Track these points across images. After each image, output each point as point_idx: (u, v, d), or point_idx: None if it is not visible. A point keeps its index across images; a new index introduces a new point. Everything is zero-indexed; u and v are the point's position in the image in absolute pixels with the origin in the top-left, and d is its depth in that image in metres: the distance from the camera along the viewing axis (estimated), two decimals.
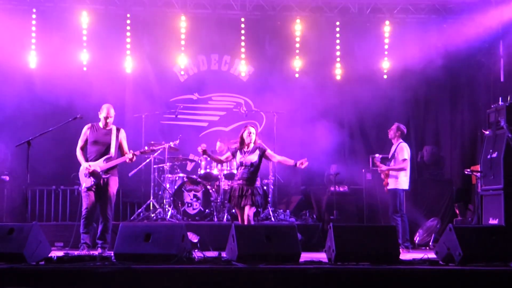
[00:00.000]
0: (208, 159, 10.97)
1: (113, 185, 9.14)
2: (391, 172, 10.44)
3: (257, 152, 8.95)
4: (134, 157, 9.18)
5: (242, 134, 9.00)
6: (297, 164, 8.90)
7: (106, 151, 9.08)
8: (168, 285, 6.22)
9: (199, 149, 8.93)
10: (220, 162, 9.60)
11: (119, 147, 9.25)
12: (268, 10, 13.40)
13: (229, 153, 9.22)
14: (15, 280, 6.13)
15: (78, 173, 9.25)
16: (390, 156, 10.58)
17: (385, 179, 10.56)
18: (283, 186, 12.75)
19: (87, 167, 9.00)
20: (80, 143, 9.19)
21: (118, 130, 9.25)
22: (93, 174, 9.00)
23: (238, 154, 9.00)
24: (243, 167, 8.95)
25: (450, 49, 12.98)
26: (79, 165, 9.20)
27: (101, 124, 9.20)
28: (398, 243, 7.43)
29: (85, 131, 9.21)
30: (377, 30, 13.55)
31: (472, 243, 7.03)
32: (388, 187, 10.48)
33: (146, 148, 9.67)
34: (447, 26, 13.25)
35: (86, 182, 9.04)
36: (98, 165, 9.01)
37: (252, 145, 8.99)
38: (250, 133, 8.96)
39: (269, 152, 9.14)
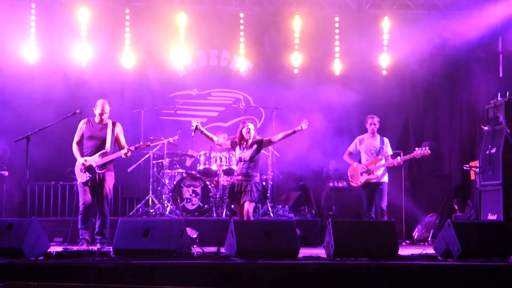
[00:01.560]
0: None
1: (109, 180, 9.14)
2: (381, 167, 10.09)
3: (255, 146, 8.95)
4: (129, 152, 9.17)
5: (241, 130, 8.99)
6: (296, 130, 8.91)
7: (102, 146, 9.09)
8: (167, 280, 6.22)
9: (193, 123, 8.95)
10: (212, 141, 9.29)
11: (117, 141, 9.25)
12: (267, 5, 13.40)
13: (228, 142, 9.23)
14: (14, 275, 6.14)
15: (73, 168, 9.26)
16: (378, 149, 10.15)
17: (371, 174, 10.07)
18: (282, 181, 12.76)
19: (82, 163, 9.01)
20: (76, 138, 9.19)
21: (114, 124, 9.24)
22: (88, 169, 9.00)
23: (238, 150, 9.00)
24: (242, 163, 8.95)
25: (449, 45, 12.98)
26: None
27: (96, 119, 9.21)
28: (396, 238, 7.42)
29: (81, 126, 9.22)
30: (376, 26, 13.54)
31: (470, 239, 7.03)
32: (381, 180, 10.04)
33: (141, 143, 9.66)
34: (446, 22, 13.23)
35: (81, 177, 9.04)
36: (94, 160, 9.02)
37: (251, 141, 8.99)
38: (250, 129, 8.95)
39: (266, 139, 9.12)
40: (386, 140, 10.29)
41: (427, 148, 10.13)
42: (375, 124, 10.28)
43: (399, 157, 10.22)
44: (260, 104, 13.11)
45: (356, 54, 13.36)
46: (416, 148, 10.19)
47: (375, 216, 10.02)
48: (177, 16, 13.27)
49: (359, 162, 10.26)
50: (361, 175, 10.13)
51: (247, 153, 8.90)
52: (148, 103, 12.92)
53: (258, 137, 9.18)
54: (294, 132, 8.93)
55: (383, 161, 10.08)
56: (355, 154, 10.41)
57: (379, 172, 10.05)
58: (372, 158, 10.13)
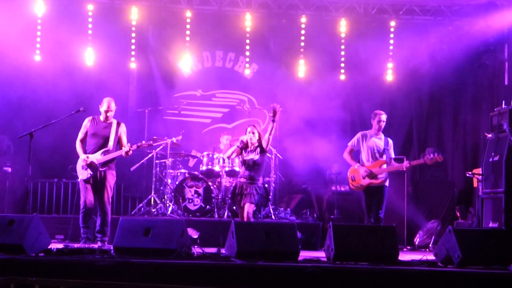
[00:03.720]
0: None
1: (110, 179, 9.14)
2: (386, 170, 9.60)
3: (258, 150, 9.07)
4: (130, 151, 9.18)
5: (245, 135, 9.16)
6: (274, 118, 8.92)
7: (104, 144, 9.09)
8: (166, 279, 6.23)
9: (275, 107, 8.95)
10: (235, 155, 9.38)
11: (118, 141, 9.26)
12: (274, 8, 13.40)
13: (236, 151, 9.32)
14: (14, 271, 6.14)
15: (75, 165, 9.28)
16: (382, 149, 9.67)
17: (375, 178, 9.54)
18: (285, 184, 12.78)
19: (84, 159, 9.03)
20: (80, 135, 9.22)
21: (118, 124, 9.26)
22: (90, 166, 9.01)
23: (243, 153, 9.11)
24: (246, 166, 9.05)
25: (455, 51, 12.94)
26: None
27: (101, 117, 9.23)
28: (397, 243, 7.40)
29: (86, 123, 9.24)
30: (382, 31, 13.52)
31: (471, 246, 7.03)
32: (383, 184, 9.56)
33: (143, 142, 9.66)
34: (452, 28, 13.24)
35: (83, 174, 9.06)
36: (96, 157, 9.03)
37: (256, 144, 9.10)
38: (248, 133, 9.09)
39: (262, 141, 9.14)
40: (390, 141, 9.75)
41: (440, 154, 9.64)
42: (383, 121, 9.66)
43: (407, 162, 9.64)
44: (264, 106, 13.06)
45: (362, 59, 13.34)
46: (427, 154, 9.86)
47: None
48: (183, 16, 13.28)
49: (359, 162, 9.75)
50: (364, 178, 9.57)
51: (250, 157, 9.02)
52: (152, 102, 12.94)
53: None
54: (273, 120, 8.93)
55: (389, 165, 9.60)
56: (355, 152, 9.89)
57: (383, 175, 9.57)
58: (374, 159, 9.61)
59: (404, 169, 9.73)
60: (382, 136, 9.74)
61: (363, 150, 9.73)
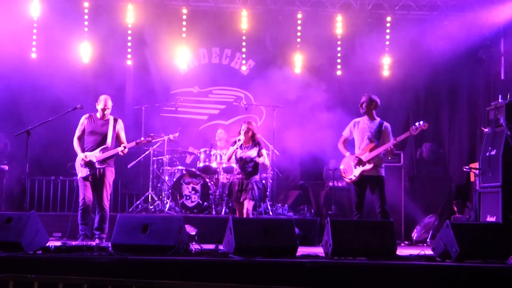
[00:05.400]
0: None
1: (109, 176, 9.16)
2: (375, 154, 8.89)
3: (256, 148, 9.09)
4: (126, 149, 9.19)
5: (239, 132, 9.19)
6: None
7: (103, 141, 9.11)
8: (164, 276, 6.23)
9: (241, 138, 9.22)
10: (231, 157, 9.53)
11: (117, 137, 9.27)
12: (270, 4, 13.40)
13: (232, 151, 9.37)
14: (12, 269, 6.13)
15: (74, 163, 9.28)
16: (372, 133, 9.03)
17: (366, 164, 8.86)
18: (282, 180, 12.79)
19: (83, 158, 9.02)
20: (77, 133, 9.22)
21: (115, 120, 9.27)
22: (88, 164, 9.01)
23: (239, 150, 9.11)
24: (242, 162, 9.06)
25: (451, 46, 12.95)
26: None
27: (98, 115, 9.22)
28: (395, 238, 7.39)
29: (83, 121, 9.24)
30: (378, 26, 13.54)
31: (469, 240, 7.02)
32: (378, 174, 8.96)
33: (142, 138, 9.68)
34: (448, 23, 13.25)
35: (82, 172, 9.06)
36: (94, 155, 9.03)
37: (251, 142, 9.13)
38: (241, 130, 9.12)
39: (262, 151, 9.30)
40: (385, 125, 9.11)
41: (425, 122, 8.98)
42: (360, 105, 9.09)
43: (393, 139, 8.92)
44: (261, 102, 13.10)
45: (358, 54, 13.36)
46: (412, 126, 9.09)
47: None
48: (179, 13, 13.28)
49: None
50: (355, 167, 8.92)
51: (248, 154, 9.07)
52: (149, 99, 12.92)
53: (259, 135, 9.31)
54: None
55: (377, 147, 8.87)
56: (351, 142, 9.26)
57: (375, 162, 8.88)
58: (365, 145, 8.99)
59: (392, 146, 8.90)
60: (378, 120, 9.17)
61: (355, 136, 9.19)
